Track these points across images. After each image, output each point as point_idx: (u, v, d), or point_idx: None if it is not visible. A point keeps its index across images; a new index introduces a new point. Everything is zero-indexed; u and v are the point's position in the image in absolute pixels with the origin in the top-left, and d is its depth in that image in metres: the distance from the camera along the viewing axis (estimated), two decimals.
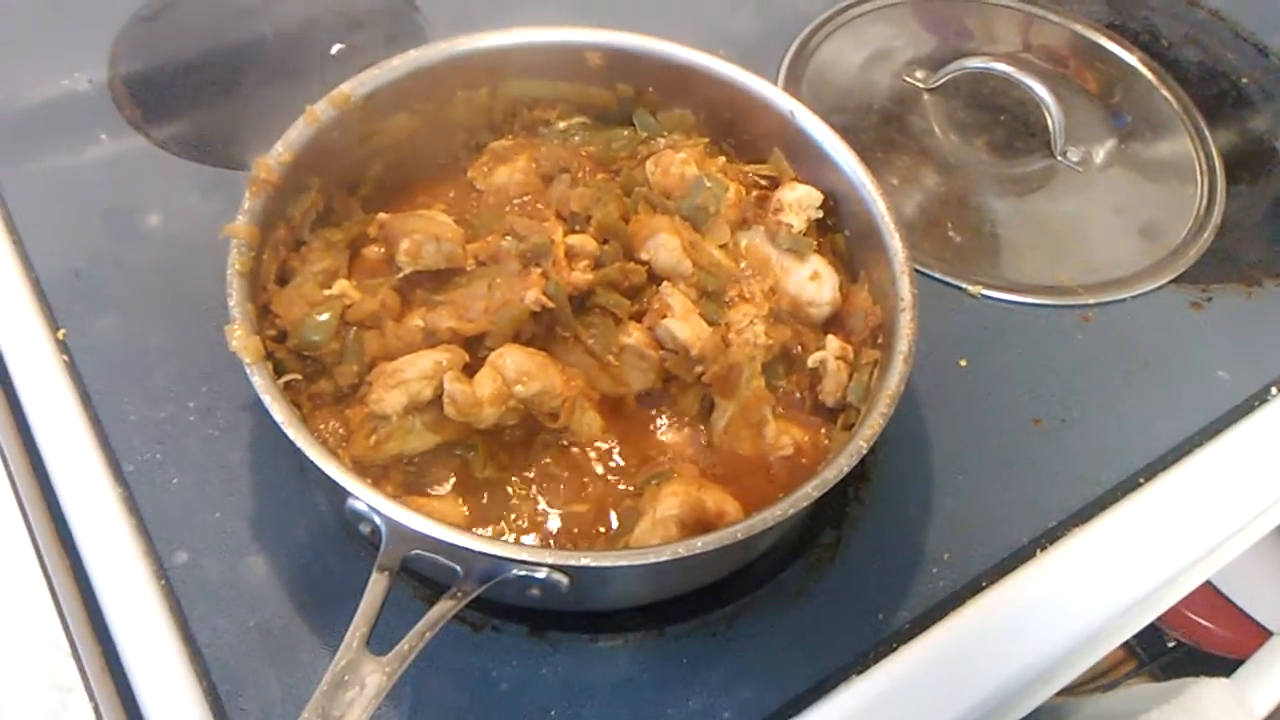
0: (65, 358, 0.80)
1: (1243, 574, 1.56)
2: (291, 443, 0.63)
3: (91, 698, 0.64)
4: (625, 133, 0.91)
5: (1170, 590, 0.84)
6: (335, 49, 1.02)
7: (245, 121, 0.98)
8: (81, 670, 0.65)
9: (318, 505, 0.76)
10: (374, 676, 0.55)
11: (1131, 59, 1.16)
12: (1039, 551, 0.79)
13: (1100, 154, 1.07)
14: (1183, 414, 0.88)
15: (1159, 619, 0.91)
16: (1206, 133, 1.09)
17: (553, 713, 0.69)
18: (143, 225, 0.90)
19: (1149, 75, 1.15)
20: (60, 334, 0.81)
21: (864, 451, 0.66)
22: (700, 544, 0.62)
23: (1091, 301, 0.94)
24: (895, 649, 0.73)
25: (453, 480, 0.73)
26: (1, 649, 0.66)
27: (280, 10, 1.06)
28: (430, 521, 0.60)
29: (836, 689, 0.71)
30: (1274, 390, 0.91)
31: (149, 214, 0.91)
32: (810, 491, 0.64)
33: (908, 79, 1.10)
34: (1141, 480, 0.84)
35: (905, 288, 0.75)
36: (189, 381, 0.80)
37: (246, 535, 0.74)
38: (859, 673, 0.72)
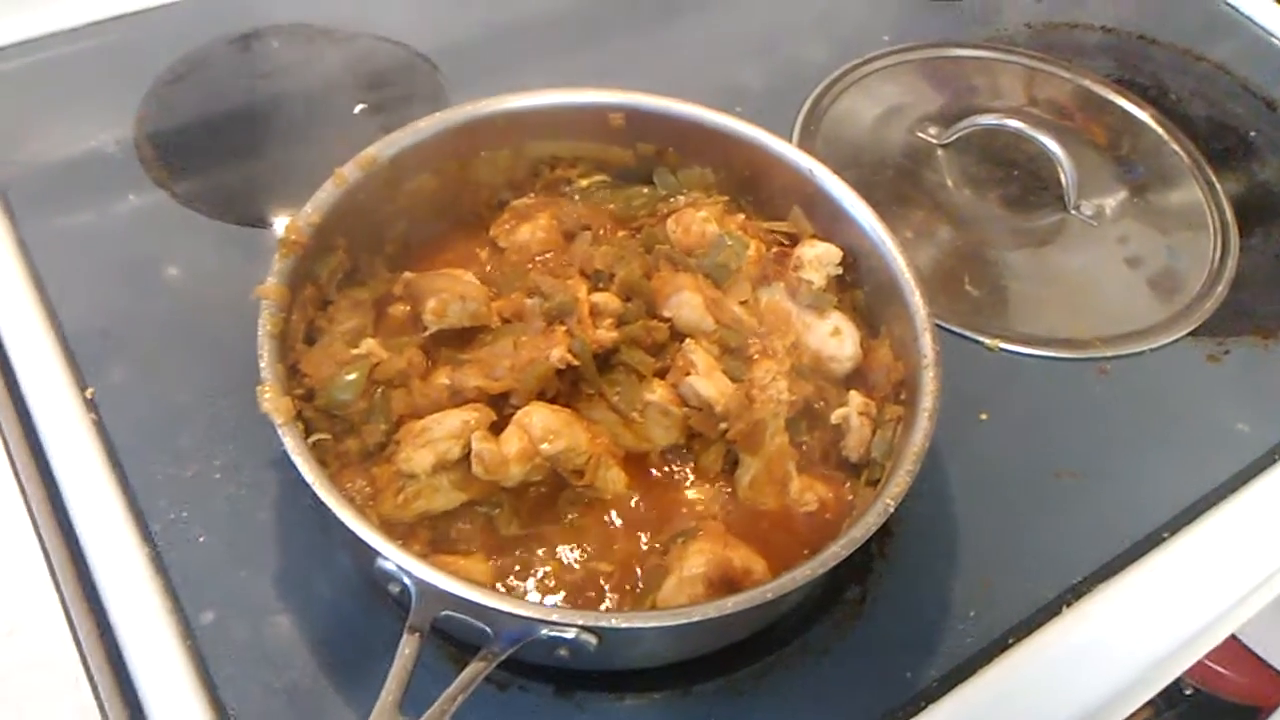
0: (93, 416, 0.80)
1: (1259, 621, 1.55)
2: (321, 502, 0.63)
3: None
4: (645, 190, 0.92)
5: (1198, 644, 0.84)
6: (357, 109, 1.04)
7: (270, 180, 0.99)
8: None
9: (343, 564, 0.76)
10: None
11: (1140, 112, 1.18)
12: (1065, 608, 0.79)
13: (1112, 206, 1.08)
14: (1205, 467, 0.88)
15: None
16: (1217, 185, 1.11)
17: None
18: (169, 283, 0.91)
19: (1157, 128, 1.16)
20: (88, 393, 0.81)
21: (891, 510, 0.67)
22: (731, 604, 0.62)
23: (1109, 354, 0.95)
24: (924, 708, 0.73)
25: (479, 539, 0.73)
26: (32, 713, 0.66)
27: (302, 72, 1.08)
28: (461, 583, 0.61)
29: None
30: None
31: (175, 271, 0.92)
32: (839, 550, 0.64)
33: (920, 135, 1.11)
34: (1166, 535, 0.84)
35: (928, 344, 0.76)
36: (215, 439, 0.80)
37: (273, 594, 0.74)
38: None
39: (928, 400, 0.73)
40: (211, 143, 1.02)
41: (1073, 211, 1.05)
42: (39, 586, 0.71)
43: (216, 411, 0.81)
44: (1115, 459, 0.88)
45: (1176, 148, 1.14)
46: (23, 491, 0.75)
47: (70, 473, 0.77)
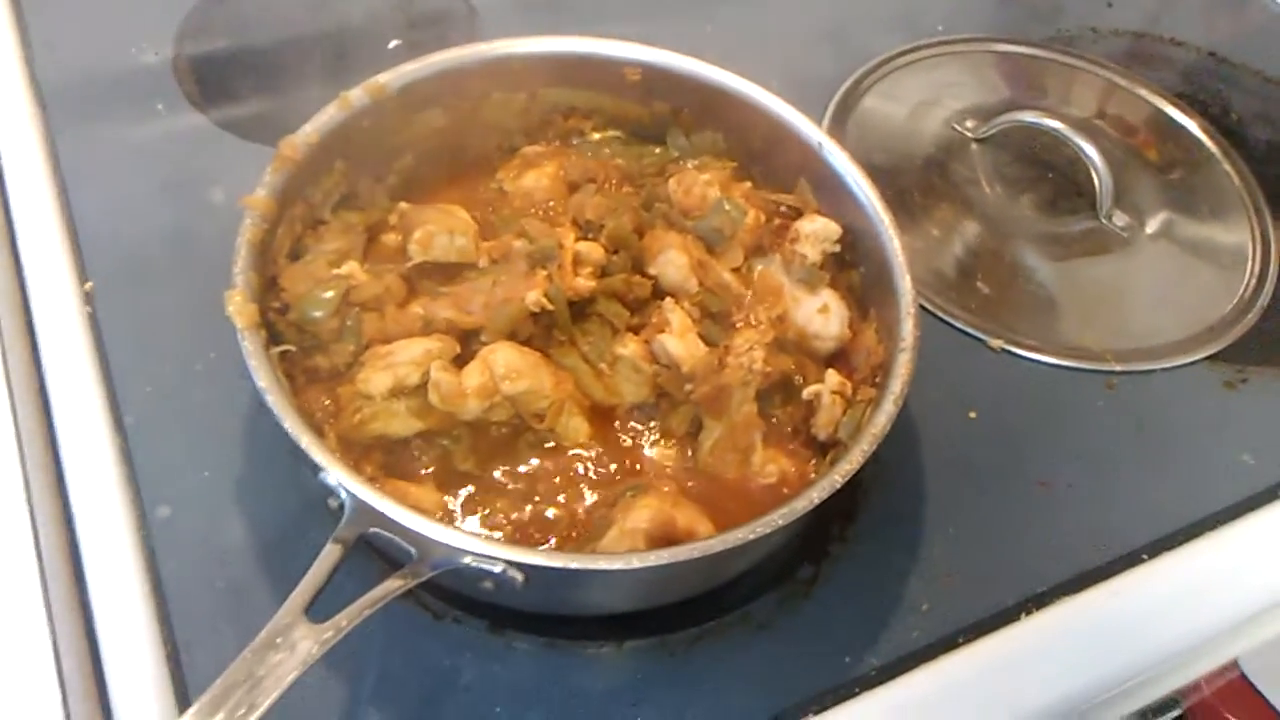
0: (89, 309, 0.83)
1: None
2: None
3: (53, 631, 0.66)
4: (657, 150, 0.92)
5: (1166, 675, 0.81)
6: (392, 44, 1.05)
7: (296, 106, 1.00)
8: (48, 604, 0.67)
9: (304, 478, 0.77)
10: (305, 643, 0.55)
11: (1195, 129, 1.13)
12: (1023, 615, 0.76)
13: (1150, 223, 1.04)
14: (1199, 493, 0.85)
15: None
16: (1265, 211, 1.06)
17: (499, 709, 0.68)
18: (185, 195, 0.93)
19: (1212, 146, 1.11)
20: (87, 286, 0.84)
21: (838, 485, 0.65)
22: (653, 557, 0.61)
23: (1118, 369, 0.91)
24: (857, 694, 0.71)
25: (433, 469, 0.73)
26: None
27: (345, 5, 1.09)
28: (391, 502, 0.61)
29: None
30: None
31: (193, 185, 0.94)
32: (775, 519, 0.63)
33: (956, 127, 1.08)
34: (1145, 556, 0.81)
35: (908, 329, 0.74)
36: (200, 345, 0.82)
37: (230, 498, 0.75)
38: (815, 713, 0.70)
39: (897, 384, 0.71)
40: (246, 65, 1.04)
41: (1104, 220, 1.01)
42: (6, 458, 0.73)
43: (206, 319, 0.81)
44: (1105, 474, 0.85)
45: (1229, 168, 1.10)
46: (7, 372, 0.77)
47: (56, 359, 0.80)
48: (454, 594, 0.72)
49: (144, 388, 0.79)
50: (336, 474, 0.62)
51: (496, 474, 0.74)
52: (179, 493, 0.75)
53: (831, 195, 0.84)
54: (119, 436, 0.76)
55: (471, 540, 0.61)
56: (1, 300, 0.82)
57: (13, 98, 0.97)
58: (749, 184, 0.88)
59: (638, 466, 0.76)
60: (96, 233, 0.88)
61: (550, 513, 0.73)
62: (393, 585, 0.60)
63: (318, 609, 0.58)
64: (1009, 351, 0.91)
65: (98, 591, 0.69)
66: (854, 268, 0.83)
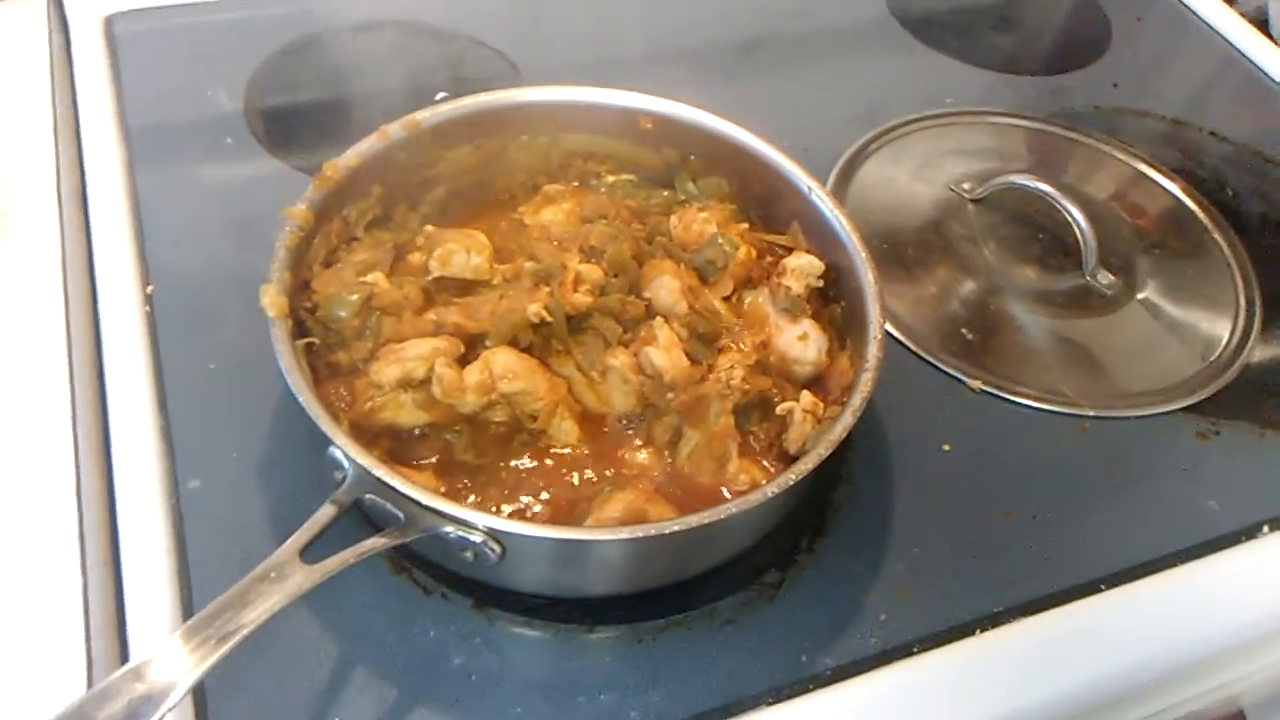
0: (148, 309, 0.93)
1: None
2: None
3: (84, 580, 0.74)
4: (665, 193, 1.00)
5: (1119, 706, 0.84)
6: (439, 96, 1.16)
7: (342, 140, 1.12)
8: (83, 556, 0.75)
9: (320, 464, 0.85)
10: (295, 578, 0.63)
11: (1187, 199, 1.18)
12: (978, 631, 0.80)
13: (1136, 284, 1.09)
14: (1163, 533, 0.88)
15: None
16: (1253, 278, 1.10)
17: (473, 677, 0.74)
18: (244, 223, 1.03)
19: (1203, 216, 1.16)
20: (149, 289, 0.94)
21: (791, 483, 0.71)
22: (619, 533, 0.68)
23: (1091, 413, 0.96)
24: (811, 690, 0.76)
25: (435, 459, 0.81)
26: (21, 535, 0.77)
27: (398, 62, 1.21)
28: (384, 469, 0.69)
29: (745, 714, 0.74)
30: (1266, 529, 0.90)
31: (253, 213, 1.03)
32: (731, 508, 0.70)
33: (954, 189, 1.16)
34: (1103, 586, 0.84)
35: (873, 352, 0.80)
36: (241, 344, 0.90)
37: (254, 478, 0.83)
38: (769, 704, 0.75)
39: (857, 398, 0.77)
40: (308, 113, 1.16)
41: (1090, 278, 1.07)
42: (61, 429, 0.83)
43: (249, 322, 0.92)
44: (1070, 509, 0.89)
45: (1219, 237, 1.15)
46: (70, 357, 0.87)
47: (115, 351, 0.89)
48: (443, 571, 0.79)
49: (188, 377, 0.88)
50: (340, 443, 0.70)
51: (492, 468, 0.81)
52: (209, 469, 0.83)
53: (820, 237, 0.92)
54: (162, 417, 0.85)
55: (454, 506, 0.68)
56: (74, 297, 0.92)
57: (103, 133, 1.09)
58: (746, 225, 0.95)
59: (622, 469, 0.83)
60: (162, 248, 0.98)
61: (537, 505, 0.80)
62: (379, 541, 0.67)
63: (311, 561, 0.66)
64: (987, 392, 0.96)
65: (128, 547, 0.78)
66: (836, 303, 0.90)
